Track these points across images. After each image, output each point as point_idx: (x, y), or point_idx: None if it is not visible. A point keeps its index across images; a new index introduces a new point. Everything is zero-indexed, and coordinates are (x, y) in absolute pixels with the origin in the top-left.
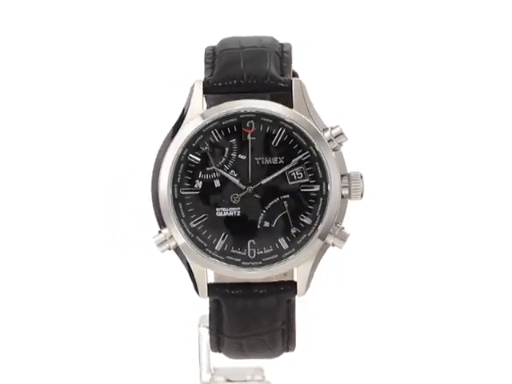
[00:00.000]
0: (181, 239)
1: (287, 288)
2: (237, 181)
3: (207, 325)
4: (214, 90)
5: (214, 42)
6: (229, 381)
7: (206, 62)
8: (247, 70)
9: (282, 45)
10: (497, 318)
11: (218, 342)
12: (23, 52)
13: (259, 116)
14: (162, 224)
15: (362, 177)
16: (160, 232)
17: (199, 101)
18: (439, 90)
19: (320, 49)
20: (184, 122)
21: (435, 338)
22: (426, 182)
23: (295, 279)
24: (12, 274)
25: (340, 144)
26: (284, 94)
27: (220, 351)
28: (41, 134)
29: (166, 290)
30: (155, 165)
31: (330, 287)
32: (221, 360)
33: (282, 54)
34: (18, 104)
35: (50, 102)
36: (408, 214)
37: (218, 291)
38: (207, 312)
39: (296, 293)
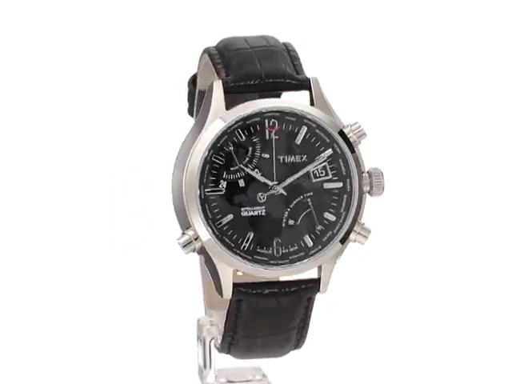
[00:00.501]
0: (209, 240)
1: (310, 286)
2: (263, 179)
3: (211, 326)
4: (235, 89)
5: (212, 43)
6: (230, 382)
7: (216, 63)
8: (264, 69)
9: (284, 44)
10: None
11: (231, 342)
12: (22, 52)
13: (283, 114)
14: (185, 226)
15: (382, 174)
16: (184, 234)
17: (221, 101)
18: (445, 85)
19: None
20: (207, 123)
21: (454, 340)
22: (430, 178)
23: (317, 276)
24: (11, 274)
25: (359, 140)
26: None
27: (229, 352)
28: (40, 134)
29: (166, 290)
30: (178, 167)
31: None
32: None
33: (289, 53)
34: (18, 104)
35: (50, 102)
36: (422, 210)
37: (241, 291)
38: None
39: (318, 290)
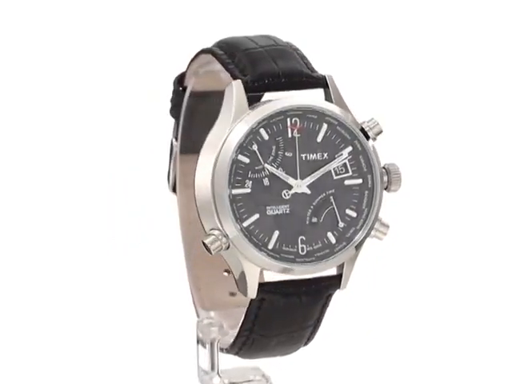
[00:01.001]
0: (237, 239)
1: (331, 283)
2: (287, 177)
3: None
4: (256, 88)
5: (206, 43)
6: (233, 383)
7: (226, 63)
8: (281, 68)
9: (287, 43)
10: None
11: (245, 342)
12: (22, 52)
13: (305, 112)
14: (211, 226)
15: (399, 170)
16: (210, 234)
17: (243, 101)
18: (446, 80)
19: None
20: (231, 123)
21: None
22: (432, 175)
23: (337, 273)
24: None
25: (376, 137)
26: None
27: (238, 352)
28: (40, 135)
29: (166, 291)
30: (203, 168)
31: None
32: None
33: (296, 52)
34: (17, 104)
35: (49, 102)
36: (428, 207)
37: (264, 290)
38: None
39: (339, 287)
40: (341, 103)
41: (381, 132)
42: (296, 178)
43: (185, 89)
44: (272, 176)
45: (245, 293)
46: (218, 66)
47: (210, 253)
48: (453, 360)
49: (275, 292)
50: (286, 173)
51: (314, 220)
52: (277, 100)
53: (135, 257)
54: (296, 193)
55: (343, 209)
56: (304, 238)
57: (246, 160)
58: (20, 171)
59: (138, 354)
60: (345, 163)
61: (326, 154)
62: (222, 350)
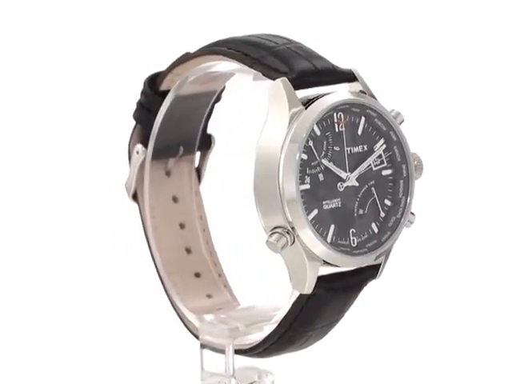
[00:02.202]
0: (305, 232)
1: (370, 273)
2: (340, 171)
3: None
4: (299, 86)
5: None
6: None
7: (249, 63)
8: (314, 64)
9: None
10: None
11: (278, 339)
12: (22, 51)
13: (351, 106)
14: (275, 224)
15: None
16: (273, 232)
17: (296, 98)
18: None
19: None
20: (289, 122)
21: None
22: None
23: (373, 263)
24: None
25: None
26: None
27: (265, 351)
28: (40, 134)
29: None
30: (265, 167)
31: None
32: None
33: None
34: (17, 103)
35: (49, 102)
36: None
37: (318, 285)
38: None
39: (375, 277)
40: (372, 95)
41: (403, 121)
42: (346, 172)
43: (160, 92)
44: (326, 171)
45: (302, 289)
46: (221, 68)
47: (276, 251)
48: (453, 360)
49: (327, 287)
50: (337, 167)
51: (361, 212)
52: (326, 96)
53: (135, 257)
54: (347, 186)
55: (382, 199)
56: (354, 231)
57: (305, 156)
58: (20, 170)
59: (137, 355)
60: (380, 154)
61: (365, 146)
62: (240, 351)
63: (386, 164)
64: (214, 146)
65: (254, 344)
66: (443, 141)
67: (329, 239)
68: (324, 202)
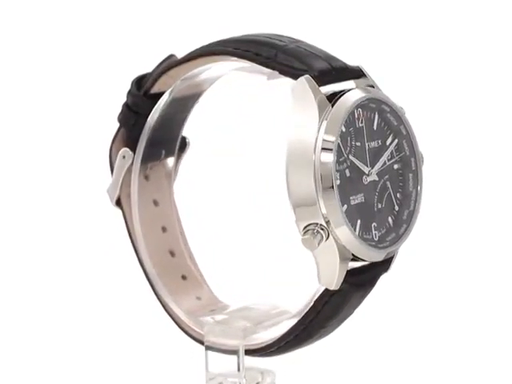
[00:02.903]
0: (342, 227)
1: (382, 267)
2: (364, 166)
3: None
4: (322, 83)
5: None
6: None
7: (266, 62)
8: (330, 62)
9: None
10: None
11: (297, 335)
12: (21, 51)
13: (369, 102)
14: (309, 220)
15: None
16: (307, 230)
17: (322, 96)
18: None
19: None
20: (319, 120)
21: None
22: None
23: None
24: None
25: None
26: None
27: (280, 348)
28: (39, 135)
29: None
30: (300, 165)
31: None
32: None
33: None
34: (16, 103)
35: (49, 103)
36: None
37: (343, 280)
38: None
39: (387, 270)
40: (379, 89)
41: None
42: (367, 166)
43: (150, 94)
44: (352, 166)
45: (330, 285)
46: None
47: (313, 248)
48: (453, 361)
49: (350, 282)
50: (360, 162)
51: (380, 206)
52: (347, 93)
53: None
54: (369, 181)
55: (395, 193)
56: (375, 225)
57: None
58: (20, 170)
59: (139, 357)
60: (391, 150)
61: (380, 141)
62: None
63: (396, 158)
64: (189, 148)
65: (268, 343)
66: (439, 137)
67: (357, 234)
68: (351, 198)
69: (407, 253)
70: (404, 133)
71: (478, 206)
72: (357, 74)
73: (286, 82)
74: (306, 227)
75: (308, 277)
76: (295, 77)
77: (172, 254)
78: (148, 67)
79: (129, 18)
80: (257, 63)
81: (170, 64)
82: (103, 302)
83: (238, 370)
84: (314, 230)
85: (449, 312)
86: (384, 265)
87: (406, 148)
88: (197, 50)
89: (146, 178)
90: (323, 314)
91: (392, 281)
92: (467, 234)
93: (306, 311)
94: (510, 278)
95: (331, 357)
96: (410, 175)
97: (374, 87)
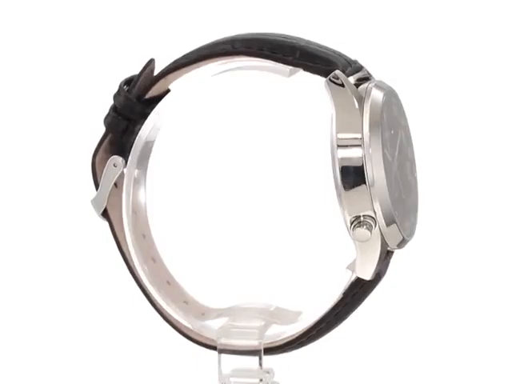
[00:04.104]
0: (388, 220)
1: (389, 254)
2: (389, 156)
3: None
4: (348, 75)
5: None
6: None
7: (290, 60)
8: (343, 57)
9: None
10: None
11: (320, 330)
12: (21, 51)
13: (387, 93)
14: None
15: None
16: (356, 223)
17: (356, 90)
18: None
19: None
20: (360, 114)
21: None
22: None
23: None
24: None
25: None
26: None
27: (301, 343)
28: (39, 134)
29: None
30: (355, 157)
31: None
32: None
33: None
34: (16, 102)
35: (49, 102)
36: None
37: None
38: None
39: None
40: None
41: None
42: (392, 155)
43: (145, 99)
44: (384, 156)
45: (367, 275)
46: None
47: (365, 240)
48: (453, 361)
49: (378, 272)
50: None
51: (403, 196)
52: (372, 86)
53: None
54: (395, 171)
55: (404, 181)
56: (397, 213)
57: None
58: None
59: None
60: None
61: (392, 131)
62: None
63: (397, 149)
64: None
65: (290, 339)
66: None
67: (398, 224)
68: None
69: (407, 253)
70: (403, 123)
71: (478, 206)
72: (359, 66)
73: (308, 78)
74: (354, 220)
75: (305, 276)
76: (323, 73)
77: (154, 260)
78: (127, 69)
79: (116, 18)
80: (278, 62)
81: (171, 67)
82: (111, 311)
83: (259, 368)
84: (363, 221)
85: (449, 312)
86: (388, 256)
87: (404, 138)
88: (193, 52)
89: (115, 185)
90: (348, 306)
91: (392, 281)
92: (467, 234)
93: (331, 305)
94: (510, 278)
95: (331, 357)
96: (408, 164)
97: (370, 79)
